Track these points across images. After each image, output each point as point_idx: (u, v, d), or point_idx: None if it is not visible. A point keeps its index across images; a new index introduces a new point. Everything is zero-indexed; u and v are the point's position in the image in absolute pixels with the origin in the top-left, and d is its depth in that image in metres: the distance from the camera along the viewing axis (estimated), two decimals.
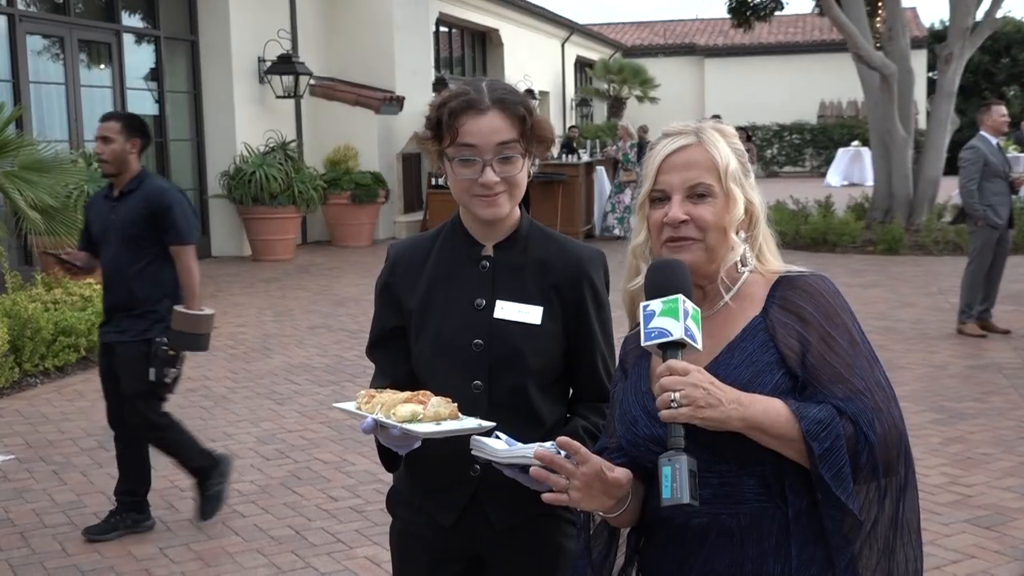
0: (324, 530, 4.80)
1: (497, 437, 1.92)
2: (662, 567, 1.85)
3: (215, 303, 10.87)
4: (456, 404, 2.00)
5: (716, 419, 1.66)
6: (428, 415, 1.95)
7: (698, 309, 1.72)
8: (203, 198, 14.67)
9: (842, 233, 14.64)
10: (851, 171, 28.02)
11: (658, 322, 1.69)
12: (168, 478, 5.48)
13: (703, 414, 1.64)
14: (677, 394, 1.64)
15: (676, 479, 1.62)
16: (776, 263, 1.89)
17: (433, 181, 15.98)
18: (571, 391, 2.28)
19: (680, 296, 1.70)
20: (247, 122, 14.77)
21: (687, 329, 1.68)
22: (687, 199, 1.81)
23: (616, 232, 16.50)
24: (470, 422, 1.97)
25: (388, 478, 2.34)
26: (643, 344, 1.73)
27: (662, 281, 1.73)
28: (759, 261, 1.88)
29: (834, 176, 28.14)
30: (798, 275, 1.85)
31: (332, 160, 15.78)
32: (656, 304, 1.71)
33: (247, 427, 6.47)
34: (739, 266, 1.85)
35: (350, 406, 2.05)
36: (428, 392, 2.00)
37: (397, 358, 2.24)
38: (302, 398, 7.13)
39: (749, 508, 1.76)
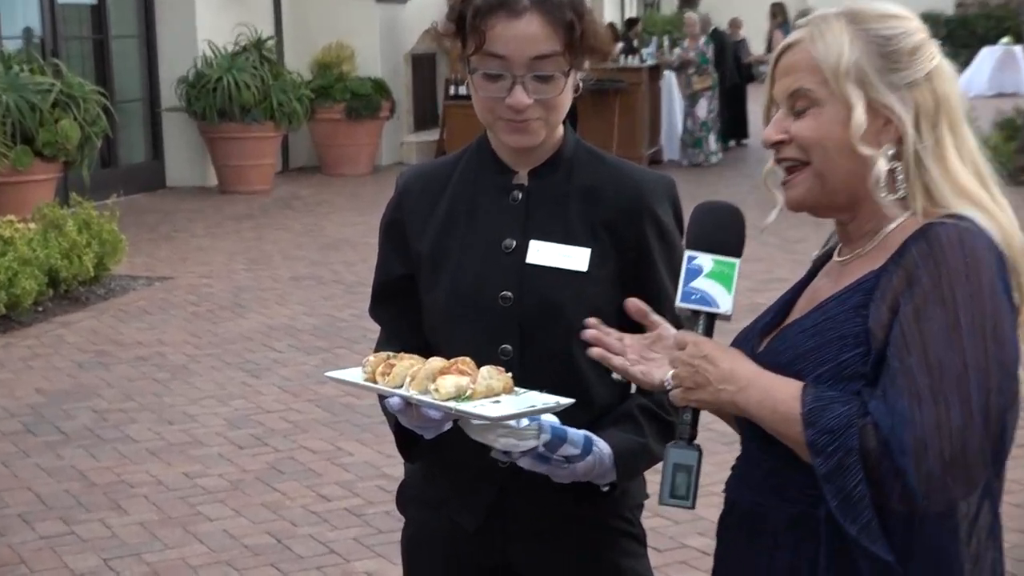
0: (313, 538, 4.83)
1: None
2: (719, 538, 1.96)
3: (172, 247, 10.94)
4: (510, 374, 1.99)
5: (707, 402, 1.77)
6: (479, 391, 1.92)
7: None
8: (155, 111, 14.68)
9: (987, 158, 14.48)
10: (999, 77, 27.68)
11: (704, 284, 1.80)
12: (113, 471, 5.53)
13: (692, 396, 1.77)
14: (670, 373, 1.78)
15: (664, 476, 1.79)
16: (952, 202, 1.81)
17: (452, 90, 15.87)
18: None
19: (738, 262, 1.81)
20: (211, 14, 14.72)
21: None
22: (791, 113, 1.82)
23: (688, 160, 16.41)
24: (538, 398, 1.95)
25: (394, 472, 2.35)
26: (678, 304, 1.83)
27: (713, 233, 1.82)
28: (929, 199, 1.81)
29: (976, 83, 27.78)
30: (941, 221, 1.75)
31: (321, 63, 15.76)
32: (706, 260, 1.81)
33: (214, 406, 6.52)
34: (884, 195, 1.79)
35: (355, 375, 2.03)
36: (468, 359, 1.98)
37: (408, 318, 2.25)
38: (284, 369, 7.18)
39: (792, 508, 1.78)
